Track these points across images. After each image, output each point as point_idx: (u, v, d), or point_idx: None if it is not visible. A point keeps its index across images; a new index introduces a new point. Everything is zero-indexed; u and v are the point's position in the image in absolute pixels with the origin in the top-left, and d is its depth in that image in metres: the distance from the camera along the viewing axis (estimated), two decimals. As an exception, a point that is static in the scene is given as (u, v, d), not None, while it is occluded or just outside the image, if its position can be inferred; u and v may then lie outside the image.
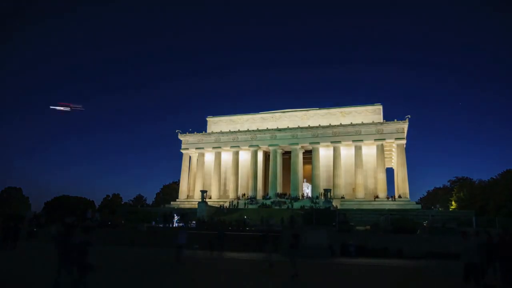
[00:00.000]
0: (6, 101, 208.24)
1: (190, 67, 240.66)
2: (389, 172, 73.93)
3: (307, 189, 74.20)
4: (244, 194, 71.45)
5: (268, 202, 63.79)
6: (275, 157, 71.19)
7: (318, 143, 68.31)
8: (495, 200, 54.63)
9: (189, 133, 77.32)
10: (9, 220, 38.05)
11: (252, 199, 67.58)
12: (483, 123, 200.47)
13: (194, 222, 47.00)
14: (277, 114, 75.54)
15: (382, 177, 64.54)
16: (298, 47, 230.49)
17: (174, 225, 47.02)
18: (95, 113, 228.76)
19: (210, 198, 68.89)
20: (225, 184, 75.17)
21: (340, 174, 66.32)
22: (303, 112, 74.17)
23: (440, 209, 66.88)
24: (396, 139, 65.03)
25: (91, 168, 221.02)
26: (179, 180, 78.69)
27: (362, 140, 65.97)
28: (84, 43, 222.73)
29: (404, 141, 66.00)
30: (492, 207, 54.63)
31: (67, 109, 79.16)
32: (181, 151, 77.72)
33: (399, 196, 63.57)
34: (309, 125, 69.98)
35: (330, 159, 68.49)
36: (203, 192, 58.11)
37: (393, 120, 65.77)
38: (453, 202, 67.21)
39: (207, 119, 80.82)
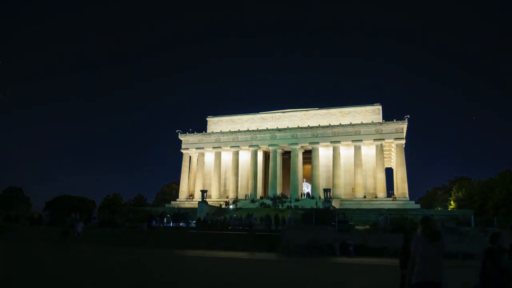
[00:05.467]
0: (5, 100, 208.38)
1: (190, 66, 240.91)
2: (389, 172, 74.16)
3: (306, 189, 74.41)
4: (246, 195, 71.64)
5: (267, 201, 63.99)
6: (275, 157, 71.41)
7: (318, 143, 68.54)
8: (494, 200, 54.91)
9: (189, 133, 77.51)
10: None
11: (251, 199, 67.73)
12: (483, 123, 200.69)
13: (194, 221, 47.29)
14: (277, 114, 75.76)
15: (381, 177, 64.79)
16: (298, 47, 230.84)
17: (171, 225, 47.17)
18: (95, 113, 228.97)
19: (210, 197, 69.11)
20: (225, 184, 75.38)
21: (340, 174, 66.55)
22: (303, 112, 74.39)
23: (439, 208, 67.12)
24: (395, 139, 65.28)
25: (92, 168, 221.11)
26: (179, 180, 78.87)
27: (361, 140, 66.20)
28: (82, 39, 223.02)
29: (403, 141, 66.26)
30: (490, 206, 54.91)
31: None
32: (181, 151, 77.94)
33: (399, 196, 63.82)
34: (308, 125, 70.19)
35: (330, 159, 68.72)
36: (203, 192, 58.32)
37: (392, 120, 66.01)
38: (452, 202, 67.43)
39: (207, 119, 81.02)
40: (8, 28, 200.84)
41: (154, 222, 48.04)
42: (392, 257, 26.12)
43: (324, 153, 70.48)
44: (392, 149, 71.32)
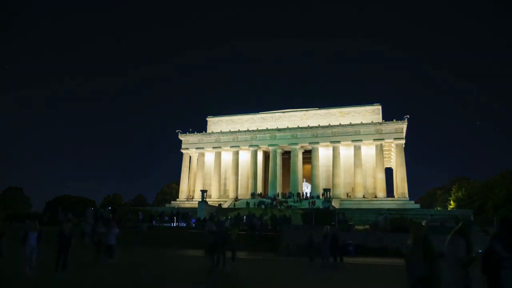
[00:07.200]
0: (6, 100, 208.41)
1: (190, 66, 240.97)
2: (389, 172, 74.23)
3: (306, 189, 74.47)
4: (246, 195, 71.68)
5: (267, 201, 64.06)
6: (275, 157, 71.45)
7: (318, 143, 68.57)
8: (493, 199, 55.01)
9: (189, 133, 77.49)
10: None
11: (250, 199, 67.74)
12: (483, 123, 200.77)
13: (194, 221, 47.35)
14: (277, 114, 75.78)
15: (381, 176, 64.83)
16: (298, 47, 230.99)
17: (171, 225, 47.17)
18: (95, 113, 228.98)
19: (210, 197, 69.15)
20: (225, 184, 75.41)
21: (340, 173, 66.58)
22: (303, 112, 74.41)
23: (439, 208, 67.22)
24: (395, 139, 65.32)
25: (92, 168, 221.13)
26: (179, 180, 78.89)
27: (361, 140, 66.23)
28: (83, 40, 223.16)
29: (403, 141, 66.30)
30: (490, 206, 55.02)
31: None
32: (181, 151, 77.95)
33: (398, 196, 63.87)
34: (308, 125, 70.21)
35: (330, 159, 68.74)
36: (203, 192, 58.32)
37: (392, 120, 66.00)
38: (451, 202, 67.54)
39: (207, 119, 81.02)
40: (8, 29, 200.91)
41: (154, 222, 48.10)
42: (392, 257, 26.19)
43: (324, 153, 70.52)
44: (392, 149, 71.36)
